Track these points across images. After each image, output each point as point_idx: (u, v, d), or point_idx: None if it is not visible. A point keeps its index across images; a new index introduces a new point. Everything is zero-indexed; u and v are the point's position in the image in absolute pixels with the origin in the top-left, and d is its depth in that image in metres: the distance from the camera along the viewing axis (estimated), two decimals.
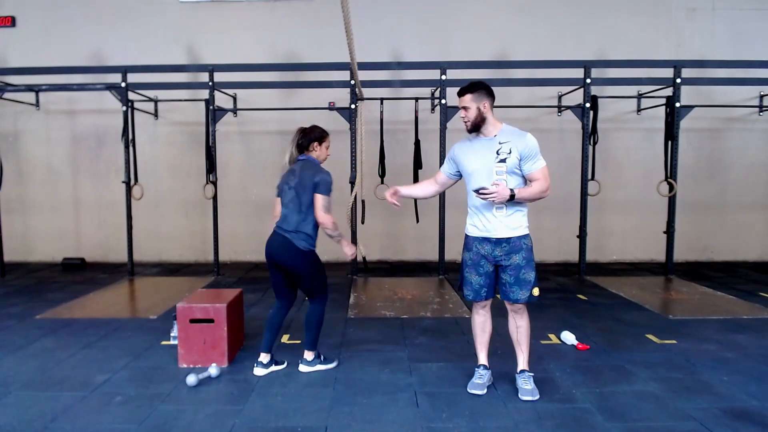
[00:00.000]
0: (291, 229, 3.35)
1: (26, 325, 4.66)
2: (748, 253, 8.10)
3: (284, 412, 2.98)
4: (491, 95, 3.06)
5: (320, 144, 3.51)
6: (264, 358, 3.54)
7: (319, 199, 3.34)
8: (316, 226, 3.39)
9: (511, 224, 3.04)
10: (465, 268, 3.18)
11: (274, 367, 3.57)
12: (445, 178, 3.32)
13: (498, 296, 3.20)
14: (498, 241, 3.05)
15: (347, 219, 6.30)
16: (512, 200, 2.96)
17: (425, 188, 3.45)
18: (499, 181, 2.96)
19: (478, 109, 3.01)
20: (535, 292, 3.10)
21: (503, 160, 2.99)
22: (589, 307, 5.28)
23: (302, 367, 3.55)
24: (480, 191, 2.92)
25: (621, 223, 8.07)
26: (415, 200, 6.64)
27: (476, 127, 3.05)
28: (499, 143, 3.02)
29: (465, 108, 3.04)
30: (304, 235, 3.35)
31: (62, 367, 3.65)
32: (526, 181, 3.05)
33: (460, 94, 3.07)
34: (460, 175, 3.24)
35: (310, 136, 3.50)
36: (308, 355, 3.58)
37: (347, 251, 3.57)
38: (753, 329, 4.47)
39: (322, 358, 3.62)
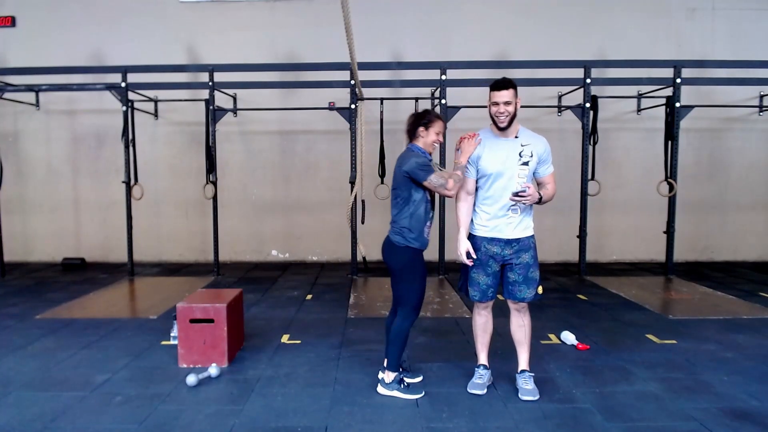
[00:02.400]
0: (391, 221, 3.17)
1: (26, 325, 4.66)
2: (748, 253, 8.10)
3: (284, 412, 2.98)
4: None
5: (426, 129, 3.11)
6: (388, 376, 3.19)
7: (430, 185, 3.02)
8: (416, 220, 3.08)
9: (522, 225, 3.07)
10: (472, 269, 3.15)
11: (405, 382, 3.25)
12: (474, 183, 3.13)
13: (500, 297, 3.20)
14: (509, 242, 3.06)
15: (347, 219, 6.30)
16: (538, 203, 3.00)
17: (468, 209, 3.16)
18: (524, 184, 2.97)
19: (516, 104, 2.99)
20: (540, 290, 3.14)
21: (526, 163, 3.00)
22: (589, 307, 5.28)
23: (380, 388, 3.21)
24: (519, 194, 2.91)
25: (621, 223, 8.07)
26: None
27: (510, 123, 3.00)
28: (521, 145, 3.02)
29: (507, 103, 2.95)
30: (399, 227, 3.10)
31: (62, 367, 3.65)
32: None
33: (504, 87, 2.96)
34: None
35: (416, 121, 3.14)
36: (386, 377, 3.19)
37: (468, 146, 3.09)
38: (753, 329, 4.47)
39: (404, 384, 3.19)
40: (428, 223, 3.15)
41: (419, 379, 3.40)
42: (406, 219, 3.08)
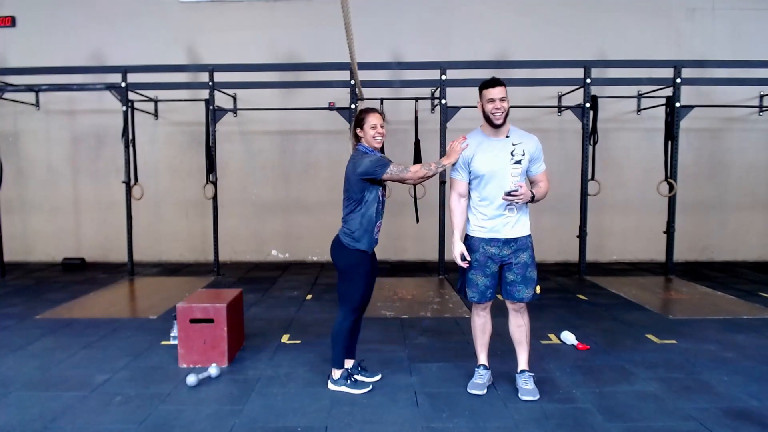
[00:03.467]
0: (342, 220, 3.21)
1: (26, 325, 4.66)
2: (748, 253, 8.10)
3: (284, 412, 2.98)
4: None
5: (362, 128, 3.14)
6: (335, 373, 3.30)
7: (392, 176, 3.07)
8: (367, 219, 3.11)
9: (519, 223, 3.07)
10: (470, 270, 3.14)
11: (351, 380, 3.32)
12: (466, 186, 3.14)
13: (499, 296, 3.20)
14: (507, 242, 3.06)
15: None
16: (531, 201, 3.01)
17: (462, 212, 3.16)
18: (516, 183, 2.98)
19: (508, 102, 3.02)
20: (538, 289, 3.14)
21: (518, 162, 3.01)
22: (589, 307, 5.28)
23: (329, 385, 3.31)
24: (511, 193, 2.92)
25: (621, 223, 8.07)
26: (415, 200, 6.66)
27: (505, 120, 3.02)
28: (513, 144, 3.03)
29: (503, 99, 2.98)
30: (349, 229, 3.15)
31: (62, 367, 3.66)
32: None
33: (497, 84, 3.00)
34: None
35: (353, 128, 3.22)
36: (333, 374, 3.30)
37: (457, 147, 3.08)
38: (753, 329, 4.47)
39: (351, 380, 3.28)
40: (378, 223, 3.19)
41: (378, 377, 3.43)
42: (356, 220, 3.12)
